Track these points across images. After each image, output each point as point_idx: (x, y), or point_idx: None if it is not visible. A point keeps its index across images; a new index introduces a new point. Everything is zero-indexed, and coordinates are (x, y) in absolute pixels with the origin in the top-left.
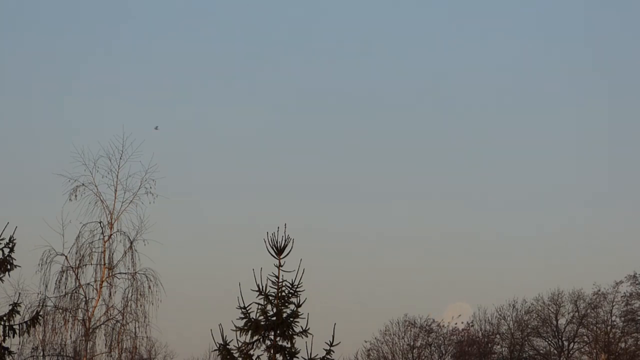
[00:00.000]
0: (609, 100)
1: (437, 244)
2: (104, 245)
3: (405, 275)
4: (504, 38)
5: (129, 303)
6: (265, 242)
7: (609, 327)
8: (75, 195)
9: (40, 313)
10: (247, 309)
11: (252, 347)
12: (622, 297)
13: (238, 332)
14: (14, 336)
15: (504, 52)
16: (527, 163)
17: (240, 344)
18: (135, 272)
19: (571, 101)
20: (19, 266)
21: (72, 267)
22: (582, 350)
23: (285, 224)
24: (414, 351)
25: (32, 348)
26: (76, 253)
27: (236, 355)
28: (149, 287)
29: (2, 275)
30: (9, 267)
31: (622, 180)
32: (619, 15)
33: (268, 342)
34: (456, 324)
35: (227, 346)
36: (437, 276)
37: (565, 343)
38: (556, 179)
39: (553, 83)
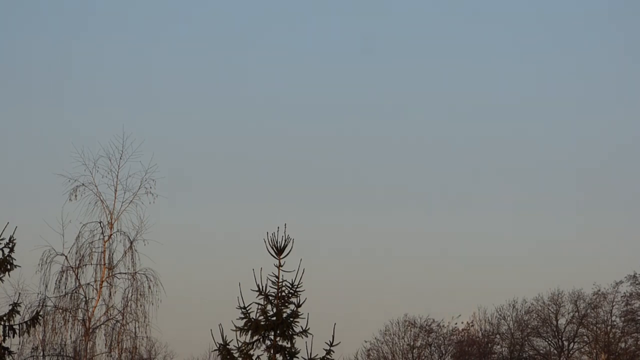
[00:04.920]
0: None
1: (438, 247)
2: (104, 245)
3: (408, 279)
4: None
5: (129, 303)
6: (265, 242)
7: (609, 327)
8: (75, 195)
9: (40, 313)
10: (247, 309)
11: (252, 347)
12: (622, 297)
13: (238, 332)
14: (14, 336)
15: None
16: (527, 165)
17: (240, 344)
18: (135, 272)
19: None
20: (19, 266)
21: (72, 267)
22: (582, 350)
23: (285, 224)
24: (414, 351)
25: (32, 348)
26: (76, 253)
27: (236, 355)
28: (149, 287)
29: (2, 275)
30: (9, 267)
31: (621, 180)
32: None
33: (268, 342)
34: (456, 324)
35: (227, 346)
36: (439, 279)
37: (565, 343)
38: (556, 180)
39: (553, 89)
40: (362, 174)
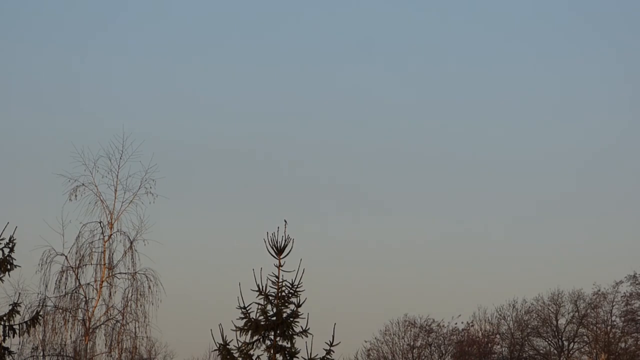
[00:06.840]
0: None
1: (437, 246)
2: (104, 245)
3: (408, 279)
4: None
5: (129, 303)
6: (265, 242)
7: (609, 327)
8: (75, 195)
9: (40, 313)
10: (247, 309)
11: (252, 347)
12: (622, 297)
13: (238, 332)
14: (14, 336)
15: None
16: (527, 165)
17: (240, 344)
18: (135, 272)
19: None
20: (19, 266)
21: (72, 267)
22: (582, 350)
23: (285, 222)
24: (414, 351)
25: (32, 348)
26: (76, 253)
27: (236, 355)
28: (149, 287)
29: (2, 275)
30: (9, 267)
31: (621, 180)
32: None
33: (268, 342)
34: (456, 324)
35: (227, 346)
36: (439, 279)
37: (565, 343)
38: (555, 180)
39: (553, 89)
40: (362, 174)
